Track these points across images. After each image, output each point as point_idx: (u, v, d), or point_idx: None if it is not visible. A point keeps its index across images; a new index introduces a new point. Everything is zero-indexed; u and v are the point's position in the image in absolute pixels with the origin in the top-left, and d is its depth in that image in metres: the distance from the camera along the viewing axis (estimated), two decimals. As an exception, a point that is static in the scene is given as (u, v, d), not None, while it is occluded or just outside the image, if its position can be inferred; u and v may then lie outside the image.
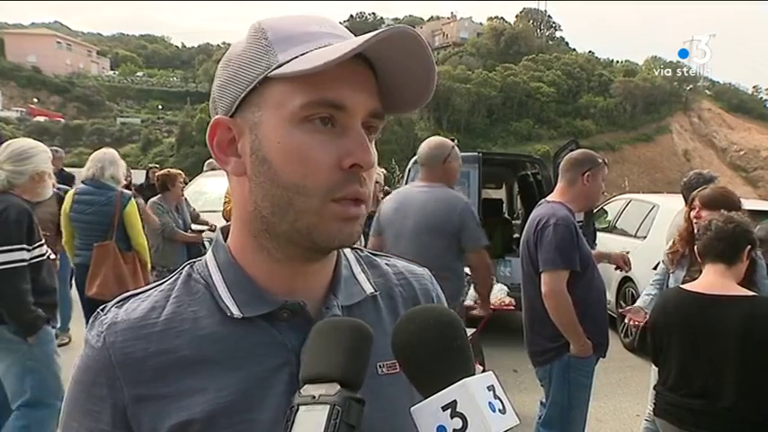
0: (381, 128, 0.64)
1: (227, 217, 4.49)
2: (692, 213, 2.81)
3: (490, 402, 0.49)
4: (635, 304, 3.21)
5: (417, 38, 0.57)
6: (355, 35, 0.63)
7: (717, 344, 2.00)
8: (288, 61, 0.58)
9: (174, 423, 0.59)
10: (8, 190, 2.58)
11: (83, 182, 3.95)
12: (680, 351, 2.14)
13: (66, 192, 4.16)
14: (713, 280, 2.10)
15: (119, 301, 0.65)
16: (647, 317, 3.02)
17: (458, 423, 0.48)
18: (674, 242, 2.98)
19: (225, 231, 0.69)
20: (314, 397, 0.48)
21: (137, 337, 0.61)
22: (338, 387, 0.49)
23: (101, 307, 0.65)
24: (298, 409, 0.48)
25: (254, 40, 0.61)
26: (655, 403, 2.30)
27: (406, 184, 6.30)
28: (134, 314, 0.63)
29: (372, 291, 0.71)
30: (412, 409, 0.51)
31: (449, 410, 0.49)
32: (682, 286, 2.28)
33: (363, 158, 0.59)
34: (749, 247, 2.11)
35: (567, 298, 2.52)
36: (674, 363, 2.16)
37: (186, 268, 0.68)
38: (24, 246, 2.54)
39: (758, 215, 4.24)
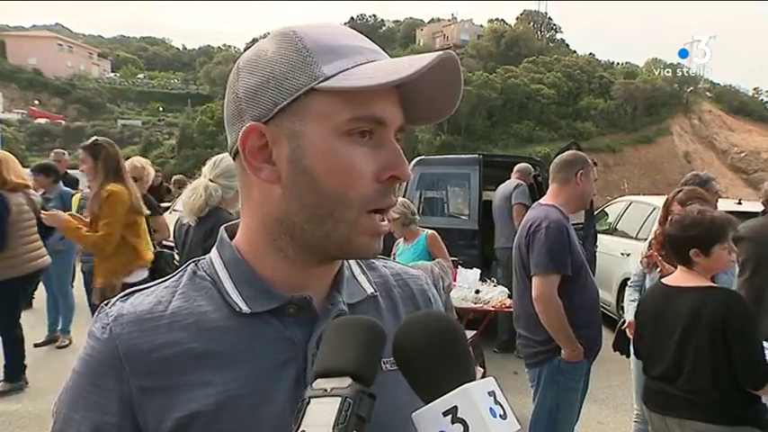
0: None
1: None
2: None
3: (491, 408, 0.49)
4: (627, 317, 3.09)
5: (455, 60, 0.60)
6: None
7: (674, 328, 2.17)
8: (334, 75, 0.58)
9: (181, 415, 0.59)
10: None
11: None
12: (649, 337, 2.32)
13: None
14: (680, 273, 2.29)
15: (123, 296, 0.65)
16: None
17: (459, 429, 0.48)
18: (650, 246, 3.00)
19: (229, 230, 0.70)
20: (325, 390, 0.49)
21: (143, 329, 0.61)
22: (350, 381, 0.49)
23: (104, 302, 0.66)
24: (309, 402, 0.48)
25: (291, 47, 0.60)
26: (644, 393, 2.40)
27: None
28: (140, 307, 0.63)
29: (372, 291, 0.72)
30: (413, 414, 0.51)
31: (450, 416, 0.49)
32: (662, 280, 2.41)
33: (402, 171, 0.61)
34: (694, 249, 2.18)
35: (558, 302, 2.50)
36: (649, 349, 2.33)
37: (191, 266, 0.68)
38: None
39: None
